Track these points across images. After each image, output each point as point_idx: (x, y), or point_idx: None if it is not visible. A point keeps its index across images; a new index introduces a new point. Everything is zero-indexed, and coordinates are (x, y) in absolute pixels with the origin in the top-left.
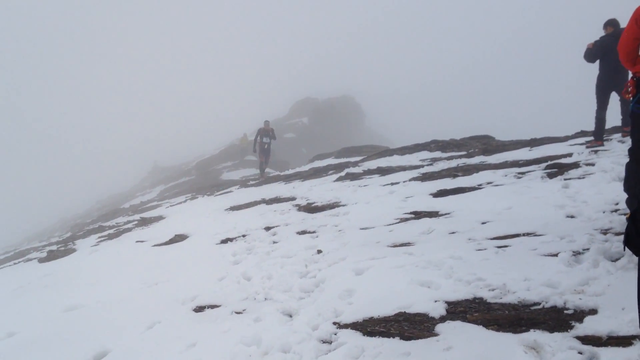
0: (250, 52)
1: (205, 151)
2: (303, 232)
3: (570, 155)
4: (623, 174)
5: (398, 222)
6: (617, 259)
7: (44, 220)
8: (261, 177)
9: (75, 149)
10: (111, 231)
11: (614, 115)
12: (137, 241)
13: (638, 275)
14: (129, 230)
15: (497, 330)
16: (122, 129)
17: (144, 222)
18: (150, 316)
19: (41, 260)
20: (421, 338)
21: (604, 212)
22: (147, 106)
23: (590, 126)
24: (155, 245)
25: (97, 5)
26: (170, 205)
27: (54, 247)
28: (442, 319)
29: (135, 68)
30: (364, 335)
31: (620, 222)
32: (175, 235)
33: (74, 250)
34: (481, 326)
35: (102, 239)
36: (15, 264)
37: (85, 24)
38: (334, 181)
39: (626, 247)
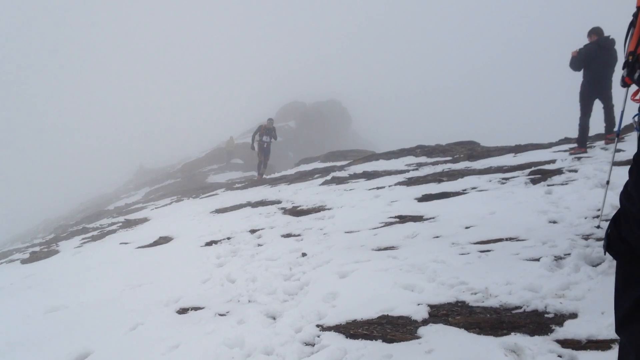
0: (237, 55)
1: (191, 154)
2: (288, 235)
3: (553, 161)
4: (605, 181)
5: (383, 226)
6: (597, 264)
7: (27, 222)
8: (258, 178)
9: (60, 149)
10: (95, 233)
11: (598, 122)
12: (121, 243)
13: (615, 279)
14: (113, 232)
15: (479, 333)
16: (107, 131)
17: (129, 224)
18: (133, 317)
19: (24, 262)
20: (403, 341)
21: (585, 218)
22: (133, 108)
23: (574, 133)
24: (139, 247)
25: (80, 8)
26: (155, 208)
27: (37, 249)
28: (425, 322)
29: (120, 70)
30: (346, 337)
31: (601, 227)
32: (160, 237)
33: (57, 252)
34: (463, 329)
35: (85, 240)
36: None
37: (69, 26)
38: (320, 185)
39: (607, 252)
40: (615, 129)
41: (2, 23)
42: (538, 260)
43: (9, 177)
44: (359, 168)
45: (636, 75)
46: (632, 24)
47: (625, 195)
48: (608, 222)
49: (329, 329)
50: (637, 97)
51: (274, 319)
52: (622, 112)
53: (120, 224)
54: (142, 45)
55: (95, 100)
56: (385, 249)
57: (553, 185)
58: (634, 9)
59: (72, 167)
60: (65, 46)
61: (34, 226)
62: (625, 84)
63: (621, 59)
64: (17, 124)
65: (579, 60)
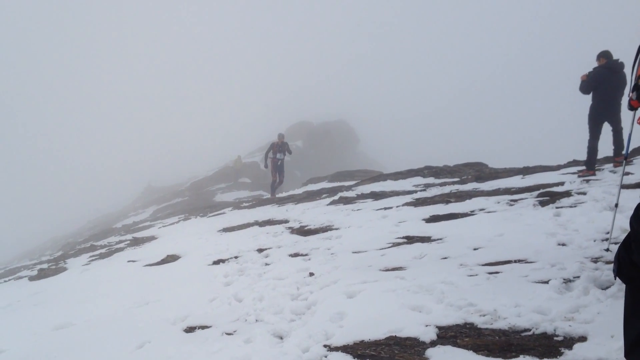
0: (246, 74)
1: (198, 172)
2: (295, 255)
3: (562, 184)
4: (613, 204)
5: (390, 247)
6: (607, 287)
7: (35, 239)
8: (272, 197)
9: (68, 167)
10: (103, 250)
11: (606, 145)
12: (128, 261)
13: (625, 304)
14: (121, 249)
15: (487, 355)
16: (116, 149)
17: (136, 242)
18: (140, 336)
19: (32, 279)
20: None
21: (594, 241)
22: (142, 127)
23: (583, 156)
24: (147, 265)
25: (89, 20)
26: (163, 226)
27: (45, 266)
28: (433, 344)
29: (130, 89)
30: (354, 358)
31: (611, 250)
32: (167, 255)
33: (64, 269)
34: (471, 351)
35: (93, 258)
36: (5, 281)
37: (78, 39)
38: (327, 205)
39: (617, 277)
40: (624, 152)
41: (9, 36)
42: (547, 282)
43: (17, 194)
44: (366, 188)
45: None
46: None
47: (635, 219)
48: (617, 245)
49: (336, 349)
50: None
51: (281, 338)
52: (630, 135)
53: (128, 242)
54: (151, 66)
55: (103, 118)
56: (393, 269)
57: (562, 207)
58: None
59: (80, 184)
60: (72, 62)
61: (42, 243)
62: (632, 107)
63: (630, 81)
64: (25, 141)
65: (588, 84)
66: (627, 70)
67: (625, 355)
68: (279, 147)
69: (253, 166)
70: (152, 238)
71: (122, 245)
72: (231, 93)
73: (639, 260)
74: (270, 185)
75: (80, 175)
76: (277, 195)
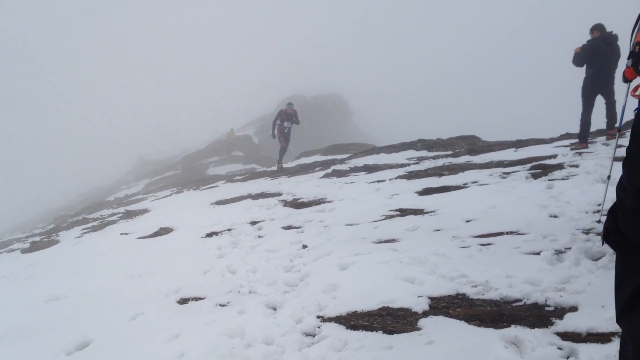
0: (238, 47)
1: (191, 146)
2: (289, 227)
3: (554, 156)
4: (606, 176)
5: (383, 219)
6: (598, 258)
7: (27, 212)
8: (278, 165)
9: (60, 140)
10: (95, 223)
11: (599, 118)
12: (121, 233)
13: (615, 270)
14: (114, 222)
15: (479, 325)
16: (108, 122)
17: (129, 215)
18: (133, 307)
19: (24, 251)
20: (404, 332)
21: (586, 213)
22: (133, 99)
23: (575, 128)
24: (139, 238)
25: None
26: (156, 199)
27: (37, 238)
28: (425, 314)
29: (121, 61)
30: (347, 328)
31: (602, 222)
32: (160, 228)
33: (57, 242)
34: (463, 321)
35: (86, 230)
36: None
37: (68, 17)
38: (321, 178)
39: (604, 243)
40: (617, 124)
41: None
42: (539, 254)
43: (9, 168)
44: (359, 161)
45: None
46: None
47: (620, 187)
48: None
49: (329, 320)
50: (637, 93)
51: (275, 309)
52: (624, 107)
53: (121, 214)
54: (142, 37)
55: (95, 91)
56: (386, 241)
57: (554, 180)
58: None
59: (72, 157)
60: (64, 37)
61: (34, 216)
62: (626, 79)
63: (625, 53)
64: (17, 114)
65: (582, 56)
66: (621, 42)
67: (617, 321)
68: (287, 116)
69: (246, 139)
70: (144, 211)
71: (114, 218)
72: (224, 66)
73: (624, 227)
74: (279, 152)
75: (72, 148)
76: (283, 165)
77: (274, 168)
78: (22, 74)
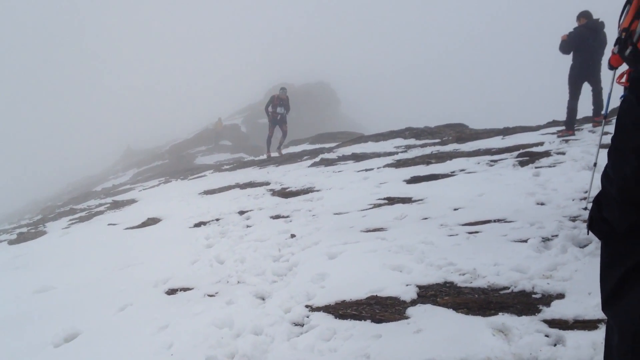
0: (225, 35)
1: (178, 135)
2: (277, 217)
3: (541, 144)
4: (592, 163)
5: (372, 208)
6: (585, 246)
7: (14, 203)
8: (268, 152)
9: (46, 130)
10: (83, 214)
11: (586, 105)
12: (109, 224)
13: (600, 258)
14: (101, 213)
15: (467, 313)
16: (94, 111)
17: (116, 205)
18: (121, 298)
19: (11, 242)
20: (392, 321)
21: (573, 200)
22: (120, 89)
23: (562, 116)
24: (127, 229)
25: None
26: (143, 189)
27: (24, 229)
28: (413, 303)
29: (107, 50)
30: (335, 318)
31: (589, 209)
32: (148, 218)
33: (44, 233)
34: (451, 309)
35: (73, 221)
36: None
37: (54, 8)
38: (309, 167)
39: (590, 231)
40: (603, 111)
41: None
42: (526, 241)
43: None
44: (347, 150)
45: (627, 52)
46: (628, 1)
47: (605, 177)
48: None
49: (318, 309)
50: (622, 80)
51: (263, 299)
52: (610, 94)
53: (108, 205)
54: (129, 26)
55: (82, 81)
56: (374, 230)
57: (541, 167)
58: None
59: (60, 147)
60: (49, 27)
61: (21, 207)
62: (612, 67)
63: (612, 40)
64: (3, 105)
65: (569, 43)
66: (608, 30)
67: (602, 309)
68: (280, 102)
69: (234, 128)
70: (132, 201)
71: (102, 208)
72: (210, 55)
73: (609, 215)
74: (266, 140)
75: (59, 138)
76: (282, 152)
77: (262, 157)
78: (9, 65)
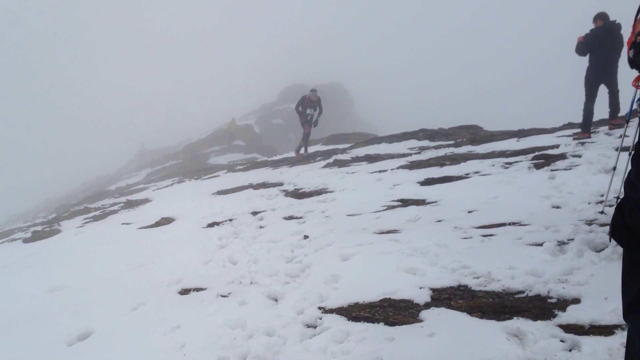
0: (240, 36)
1: (192, 135)
2: (290, 218)
3: (557, 146)
4: (609, 166)
5: (385, 210)
6: (601, 250)
7: (29, 201)
8: (299, 156)
9: (61, 129)
10: (97, 213)
11: (602, 107)
12: (122, 223)
13: (622, 265)
14: (115, 212)
15: (481, 317)
16: (109, 111)
17: (130, 205)
18: (135, 298)
19: (26, 241)
20: (405, 324)
21: (589, 204)
22: (135, 89)
23: (578, 118)
24: (141, 228)
25: None
26: (157, 189)
27: (39, 228)
28: (427, 306)
29: (122, 51)
30: (348, 320)
31: (605, 213)
32: (162, 218)
33: (59, 231)
34: (465, 313)
35: (87, 220)
36: None
37: (66, 7)
38: (322, 168)
39: (612, 239)
40: (625, 114)
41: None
42: (541, 245)
43: (11, 156)
44: (361, 151)
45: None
46: None
47: (628, 184)
48: (612, 208)
49: (330, 311)
50: (638, 83)
51: (276, 300)
52: (633, 98)
53: (122, 204)
54: (144, 26)
55: (97, 80)
56: (388, 232)
57: (556, 170)
58: None
59: (74, 147)
60: (65, 26)
61: (36, 205)
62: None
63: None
64: (19, 104)
65: (585, 45)
66: (624, 32)
67: (624, 317)
68: (311, 103)
69: (247, 129)
70: (146, 201)
71: (116, 207)
72: (226, 56)
73: (632, 223)
74: (303, 138)
75: (74, 137)
76: (302, 154)
77: (276, 157)
78: (23, 64)
